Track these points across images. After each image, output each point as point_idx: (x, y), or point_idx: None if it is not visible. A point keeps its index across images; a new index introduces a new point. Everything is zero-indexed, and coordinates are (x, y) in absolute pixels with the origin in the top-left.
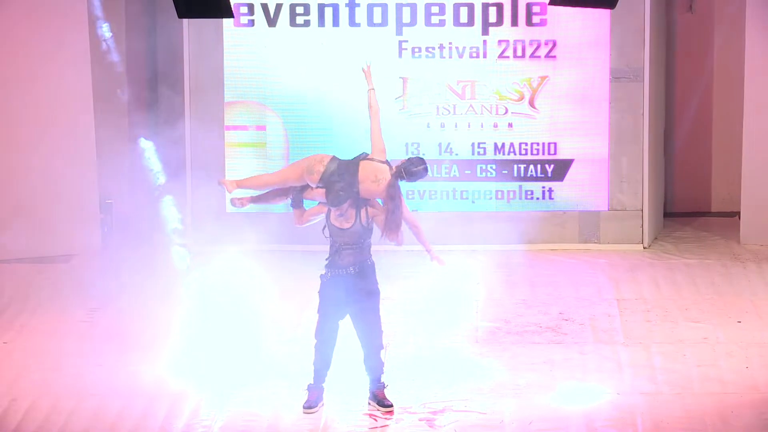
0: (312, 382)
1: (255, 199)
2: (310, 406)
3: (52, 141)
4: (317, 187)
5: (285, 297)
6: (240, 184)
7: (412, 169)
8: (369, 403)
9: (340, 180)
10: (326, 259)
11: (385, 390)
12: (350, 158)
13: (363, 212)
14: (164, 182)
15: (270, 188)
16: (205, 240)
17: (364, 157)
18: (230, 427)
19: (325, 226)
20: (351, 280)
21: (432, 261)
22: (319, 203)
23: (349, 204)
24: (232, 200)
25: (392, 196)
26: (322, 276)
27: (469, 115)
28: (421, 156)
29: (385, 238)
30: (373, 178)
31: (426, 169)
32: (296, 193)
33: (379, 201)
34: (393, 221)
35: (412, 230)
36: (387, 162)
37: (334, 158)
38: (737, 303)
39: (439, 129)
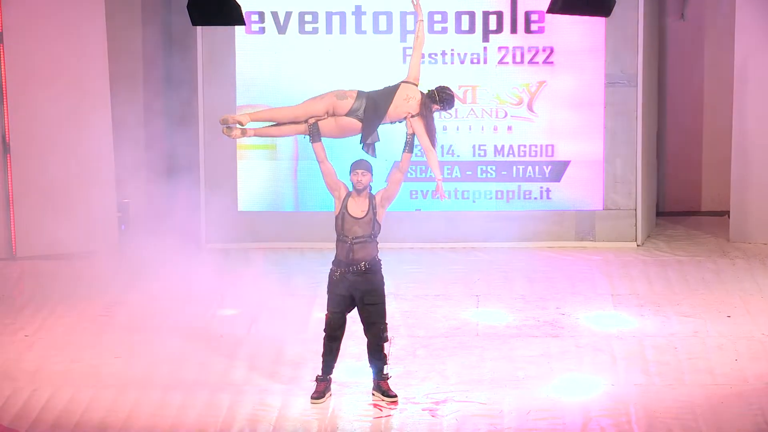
0: (320, 374)
1: (261, 131)
2: (318, 396)
3: (71, 141)
4: (347, 114)
5: (296, 293)
6: (255, 117)
7: (445, 93)
8: (373, 394)
9: (375, 102)
10: (335, 256)
11: (389, 381)
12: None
13: (373, 203)
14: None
15: (289, 120)
16: (218, 239)
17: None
18: (241, 416)
19: (338, 218)
20: (361, 277)
21: (436, 194)
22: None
23: (365, 195)
24: (228, 129)
25: (424, 115)
26: (331, 272)
27: (470, 118)
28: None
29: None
30: (404, 97)
31: (454, 98)
32: (313, 128)
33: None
34: (431, 136)
35: (426, 153)
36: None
37: (359, 91)
38: (727, 298)
39: (442, 132)
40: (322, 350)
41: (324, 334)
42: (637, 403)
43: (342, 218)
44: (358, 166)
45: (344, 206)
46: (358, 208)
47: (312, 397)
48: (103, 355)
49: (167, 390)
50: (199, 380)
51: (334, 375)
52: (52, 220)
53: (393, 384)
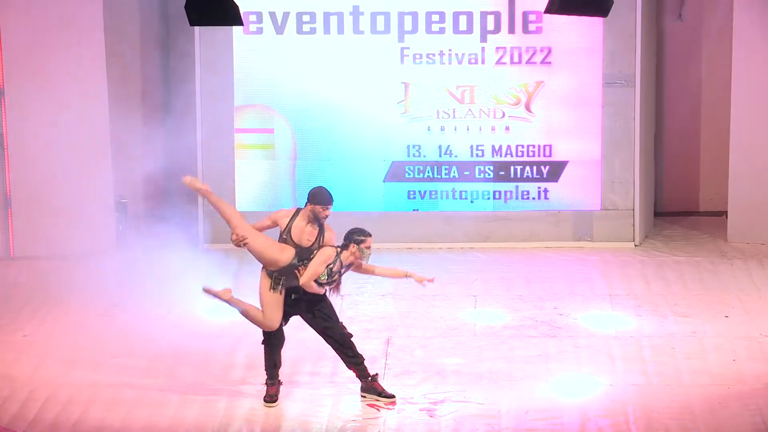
0: (269, 380)
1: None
2: (271, 400)
3: (69, 142)
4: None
5: None
6: (216, 200)
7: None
8: (363, 396)
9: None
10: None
11: (380, 381)
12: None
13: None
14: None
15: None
16: (216, 239)
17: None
18: (240, 416)
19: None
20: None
21: (424, 284)
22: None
23: (317, 225)
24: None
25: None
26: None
27: (468, 118)
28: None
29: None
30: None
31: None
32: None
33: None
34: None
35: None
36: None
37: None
38: (724, 298)
39: (440, 132)
40: (264, 360)
41: (263, 345)
42: (635, 403)
43: (286, 242)
44: (329, 202)
45: (288, 231)
46: (305, 236)
47: (265, 400)
48: (101, 356)
49: (165, 390)
50: (197, 380)
51: (332, 376)
52: (50, 221)
53: (391, 385)
